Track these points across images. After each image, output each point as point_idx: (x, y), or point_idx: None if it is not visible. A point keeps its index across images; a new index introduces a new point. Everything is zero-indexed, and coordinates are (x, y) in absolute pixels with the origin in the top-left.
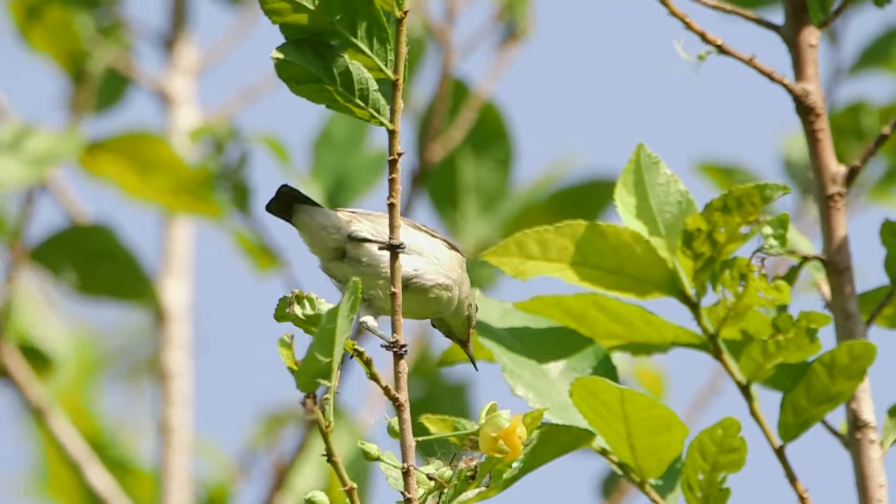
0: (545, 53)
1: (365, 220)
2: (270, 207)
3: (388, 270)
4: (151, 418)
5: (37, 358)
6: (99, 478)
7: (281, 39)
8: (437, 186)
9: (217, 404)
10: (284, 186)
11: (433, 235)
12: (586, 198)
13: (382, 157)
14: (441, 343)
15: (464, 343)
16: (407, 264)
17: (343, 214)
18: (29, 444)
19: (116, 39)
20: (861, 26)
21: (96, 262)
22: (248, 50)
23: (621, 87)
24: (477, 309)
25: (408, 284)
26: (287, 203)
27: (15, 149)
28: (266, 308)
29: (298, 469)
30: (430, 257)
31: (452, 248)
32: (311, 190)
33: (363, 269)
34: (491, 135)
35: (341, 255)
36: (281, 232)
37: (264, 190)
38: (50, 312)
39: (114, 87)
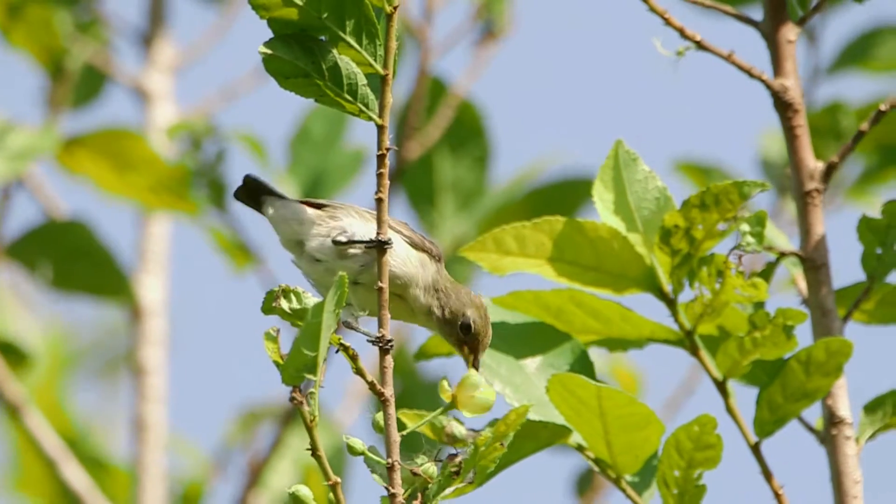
0: (523, 52)
1: (341, 217)
2: (238, 195)
3: (342, 267)
4: (127, 415)
5: (12, 354)
6: (74, 474)
7: (260, 37)
8: (414, 184)
9: (193, 401)
10: (248, 176)
11: (399, 231)
12: (563, 196)
13: (360, 154)
14: (419, 338)
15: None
16: (356, 261)
17: (309, 208)
18: (3, 441)
19: (95, 36)
20: (838, 27)
21: (72, 259)
22: (226, 48)
23: (599, 86)
24: (467, 315)
25: (356, 280)
26: (256, 193)
27: None
28: (242, 305)
29: (273, 466)
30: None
31: (417, 246)
32: (289, 187)
33: (318, 266)
34: (468, 133)
35: (301, 248)
36: (257, 229)
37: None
38: (25, 308)
39: (92, 84)
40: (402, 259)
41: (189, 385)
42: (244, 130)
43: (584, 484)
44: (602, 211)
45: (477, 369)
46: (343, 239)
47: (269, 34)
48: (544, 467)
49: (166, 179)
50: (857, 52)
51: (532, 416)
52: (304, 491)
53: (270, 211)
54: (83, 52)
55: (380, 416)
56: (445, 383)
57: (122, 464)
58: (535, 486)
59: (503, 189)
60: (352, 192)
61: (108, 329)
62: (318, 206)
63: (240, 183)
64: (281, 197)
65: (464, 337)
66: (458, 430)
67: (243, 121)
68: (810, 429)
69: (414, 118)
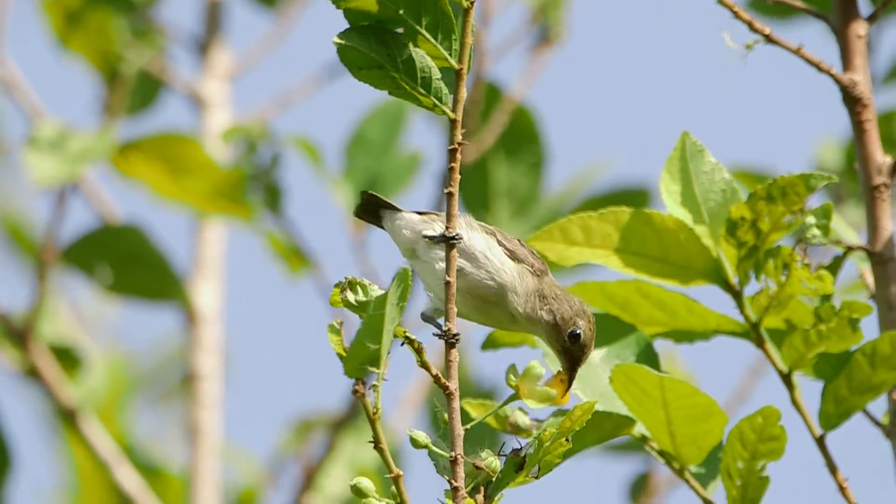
0: (579, 57)
1: (439, 222)
2: (358, 212)
3: (441, 265)
4: (181, 422)
5: (67, 358)
6: (128, 479)
7: (314, 43)
8: (468, 189)
9: (247, 408)
10: (365, 192)
11: (500, 242)
12: (618, 204)
13: (416, 158)
14: (474, 343)
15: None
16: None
17: (414, 216)
18: (58, 445)
19: (151, 43)
20: (894, 36)
21: (127, 264)
22: (282, 55)
23: (655, 91)
24: (581, 333)
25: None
26: (373, 208)
27: (51, 147)
28: (297, 310)
29: (327, 472)
30: (479, 259)
31: (516, 258)
32: (344, 191)
33: (422, 265)
34: (523, 138)
35: (414, 254)
36: (312, 234)
37: (296, 192)
38: (82, 322)
39: (147, 91)
40: (497, 267)
41: (243, 391)
42: (299, 135)
43: (639, 488)
44: (668, 202)
45: (571, 384)
46: (430, 234)
47: (326, 39)
48: (600, 471)
49: (221, 184)
50: None
51: (597, 406)
52: (366, 483)
53: (389, 224)
54: (139, 58)
55: (443, 408)
56: (512, 374)
57: (176, 470)
58: (591, 490)
59: (558, 196)
60: (407, 197)
61: (165, 357)
62: (422, 214)
63: (359, 201)
64: (396, 209)
65: (570, 346)
66: (522, 419)
67: (298, 128)
68: (875, 422)
69: (469, 123)
